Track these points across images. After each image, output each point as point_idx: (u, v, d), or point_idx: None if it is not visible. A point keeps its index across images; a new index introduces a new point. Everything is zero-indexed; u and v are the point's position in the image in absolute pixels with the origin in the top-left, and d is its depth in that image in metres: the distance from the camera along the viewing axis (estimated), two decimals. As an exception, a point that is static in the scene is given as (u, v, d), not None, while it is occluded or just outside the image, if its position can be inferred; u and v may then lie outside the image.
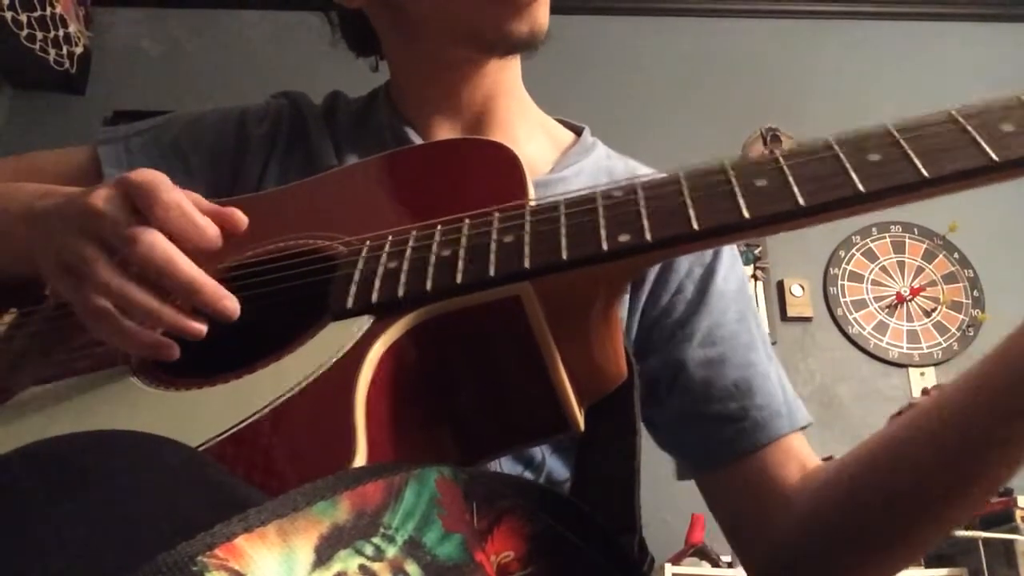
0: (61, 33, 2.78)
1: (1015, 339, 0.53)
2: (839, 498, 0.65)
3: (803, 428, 0.76)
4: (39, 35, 2.67)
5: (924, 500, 0.59)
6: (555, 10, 0.79)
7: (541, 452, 0.75)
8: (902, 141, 0.47)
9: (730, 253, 0.84)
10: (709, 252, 0.81)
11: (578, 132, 0.91)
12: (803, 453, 0.74)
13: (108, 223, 0.55)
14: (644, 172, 0.87)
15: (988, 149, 0.45)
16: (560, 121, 0.93)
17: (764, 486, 0.72)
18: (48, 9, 2.69)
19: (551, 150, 0.88)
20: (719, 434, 0.74)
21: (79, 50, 2.89)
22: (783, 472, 0.72)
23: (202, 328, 0.56)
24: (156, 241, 0.54)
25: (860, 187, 0.46)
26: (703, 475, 0.77)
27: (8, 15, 2.53)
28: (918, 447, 0.59)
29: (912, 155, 0.46)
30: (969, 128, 0.46)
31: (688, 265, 0.81)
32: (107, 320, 0.55)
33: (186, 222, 0.56)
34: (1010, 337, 0.54)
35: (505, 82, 0.86)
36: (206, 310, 0.55)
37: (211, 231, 0.58)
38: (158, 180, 0.56)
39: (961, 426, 0.56)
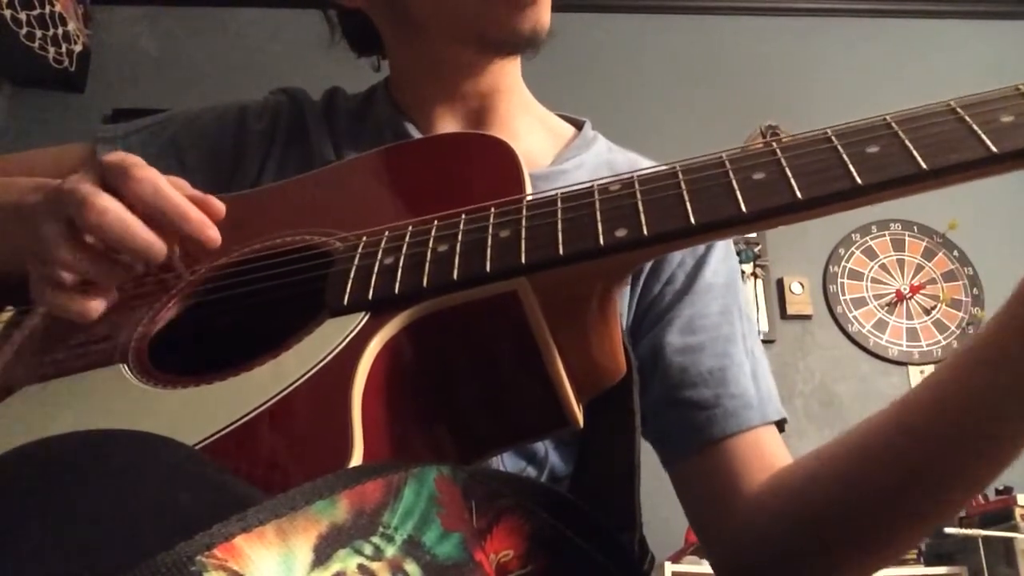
0: (60, 31, 2.78)
1: (1012, 307, 0.52)
2: (828, 489, 0.63)
3: (778, 423, 0.76)
4: (38, 33, 2.67)
5: (925, 480, 0.57)
6: (556, 8, 0.79)
7: (544, 447, 0.75)
8: (900, 133, 0.47)
9: (723, 246, 0.84)
10: (703, 244, 0.81)
11: (579, 126, 0.91)
12: (773, 449, 0.73)
13: (74, 201, 0.54)
14: (645, 164, 0.87)
15: (987, 140, 0.44)
16: (561, 116, 0.93)
17: (730, 477, 0.71)
18: (47, 7, 2.69)
19: (552, 144, 0.88)
20: (691, 420, 0.74)
21: (78, 48, 2.89)
22: (750, 465, 0.71)
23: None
24: (108, 206, 0.53)
25: (858, 180, 0.46)
26: (675, 464, 0.77)
27: (7, 13, 2.53)
28: (924, 416, 0.57)
29: (911, 147, 0.46)
30: (968, 119, 0.46)
31: (681, 256, 0.81)
32: (56, 288, 0.56)
33: (159, 197, 0.54)
34: (1008, 303, 0.52)
35: (506, 79, 0.86)
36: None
37: (192, 211, 0.56)
38: (132, 159, 0.56)
39: (965, 391, 0.54)
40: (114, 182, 0.55)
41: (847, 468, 0.62)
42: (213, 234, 0.56)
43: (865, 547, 0.62)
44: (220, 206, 0.59)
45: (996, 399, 0.52)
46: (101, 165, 0.56)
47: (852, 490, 0.61)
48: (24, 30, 2.61)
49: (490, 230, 0.54)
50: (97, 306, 0.58)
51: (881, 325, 2.85)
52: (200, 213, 0.56)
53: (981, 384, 0.53)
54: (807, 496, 0.65)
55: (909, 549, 0.66)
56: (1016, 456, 0.53)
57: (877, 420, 0.60)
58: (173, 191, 0.55)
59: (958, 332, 2.82)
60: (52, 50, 2.75)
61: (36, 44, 2.68)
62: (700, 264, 0.81)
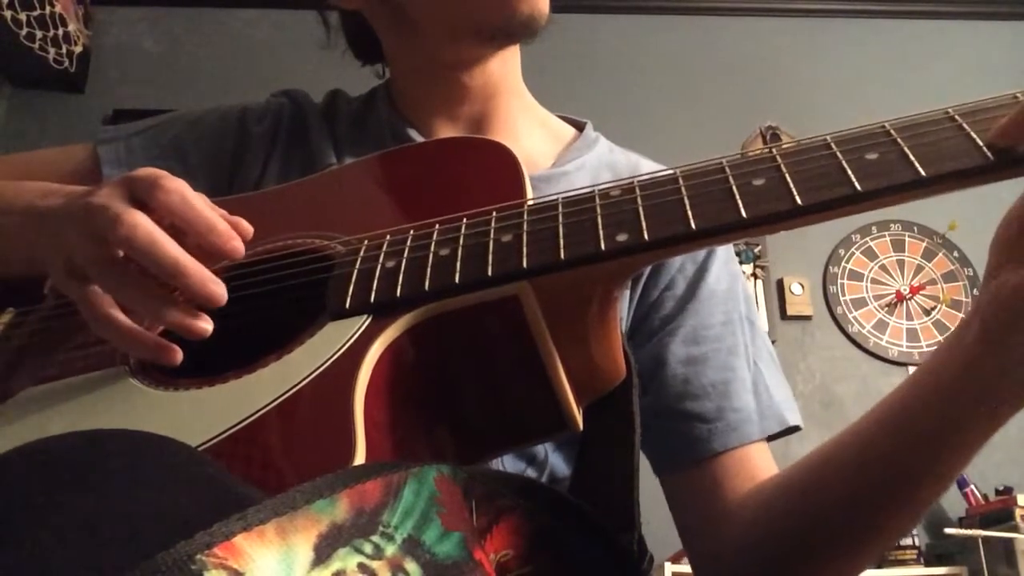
0: (60, 32, 2.78)
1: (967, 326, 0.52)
2: (788, 505, 0.65)
3: (775, 436, 0.76)
4: (38, 34, 2.67)
5: (888, 493, 0.58)
6: (556, 8, 0.79)
7: (544, 449, 0.75)
8: (899, 140, 0.47)
9: (724, 251, 0.84)
10: (704, 249, 0.81)
11: (580, 128, 0.91)
12: (758, 464, 0.74)
13: (106, 217, 0.54)
14: (647, 166, 0.88)
15: (985, 149, 0.44)
16: (562, 118, 0.93)
17: (719, 490, 0.72)
18: (47, 8, 2.69)
19: (553, 146, 0.88)
20: (692, 432, 0.74)
21: (78, 49, 2.89)
22: (738, 479, 0.72)
23: (207, 327, 0.54)
24: (139, 222, 0.53)
25: (857, 186, 0.46)
26: (669, 473, 0.77)
27: (7, 14, 2.53)
28: (884, 437, 0.57)
29: (909, 154, 0.46)
30: (966, 127, 0.46)
31: (681, 261, 0.81)
32: (109, 322, 0.55)
33: (187, 208, 0.55)
34: (962, 322, 0.52)
35: (506, 79, 0.86)
36: (193, 296, 0.54)
37: (219, 223, 0.56)
38: (161, 172, 0.56)
39: (926, 413, 0.54)
40: (143, 194, 0.55)
41: (814, 478, 0.63)
42: (238, 245, 0.56)
43: (830, 556, 0.63)
44: (248, 226, 0.59)
45: (960, 406, 0.52)
46: (130, 178, 0.56)
47: (815, 500, 0.62)
48: (24, 31, 2.61)
49: (492, 234, 0.54)
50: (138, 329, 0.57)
51: (881, 326, 2.85)
52: (226, 225, 0.56)
53: (953, 380, 0.52)
54: (775, 508, 0.67)
55: (874, 558, 0.66)
56: (977, 451, 0.53)
57: (847, 435, 0.61)
58: (201, 202, 0.56)
59: (958, 333, 2.82)
60: (52, 51, 2.76)
61: (36, 45, 2.68)
62: (702, 270, 0.80)
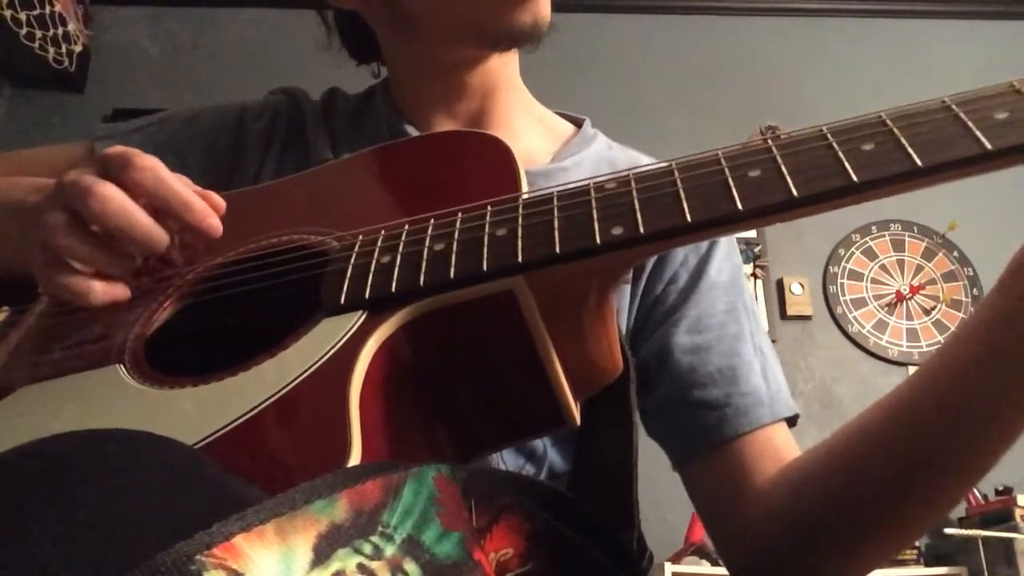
0: (60, 31, 2.79)
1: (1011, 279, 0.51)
2: (826, 485, 0.64)
3: (788, 420, 0.76)
4: (38, 33, 2.68)
5: (923, 472, 0.57)
6: (557, 8, 0.79)
7: (543, 445, 0.75)
8: (895, 130, 0.47)
9: (726, 244, 0.84)
10: (705, 242, 0.81)
11: (579, 124, 0.91)
12: (783, 445, 0.73)
13: (77, 190, 0.54)
14: (646, 162, 0.87)
15: (982, 137, 0.44)
16: (560, 114, 0.93)
17: (742, 475, 0.71)
18: (47, 7, 2.70)
19: (551, 142, 0.88)
20: (702, 420, 0.74)
21: (78, 48, 2.90)
22: (761, 463, 0.71)
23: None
24: (111, 194, 0.53)
25: (854, 177, 0.46)
26: (686, 465, 0.76)
27: (7, 13, 2.53)
28: (922, 410, 0.56)
29: (906, 144, 0.46)
30: (963, 116, 0.45)
31: (684, 255, 0.81)
32: (59, 269, 0.55)
33: (161, 185, 0.54)
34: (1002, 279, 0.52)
35: (504, 77, 0.86)
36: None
37: (195, 200, 0.55)
38: (133, 150, 0.56)
39: (969, 380, 0.54)
40: (116, 172, 0.55)
41: (845, 462, 0.62)
42: (215, 223, 0.56)
43: (865, 539, 0.62)
44: (221, 201, 0.59)
45: (989, 391, 0.52)
46: (102, 157, 0.56)
47: (850, 483, 0.61)
48: (24, 30, 2.62)
49: (487, 228, 0.54)
50: (100, 290, 0.57)
51: (881, 326, 2.85)
52: (202, 202, 0.56)
53: (975, 378, 0.53)
54: (807, 490, 0.65)
55: (906, 543, 0.64)
56: (1013, 442, 0.53)
57: (873, 414, 0.61)
58: (175, 180, 0.56)
59: (958, 332, 2.83)
60: (52, 50, 2.76)
61: (36, 44, 2.68)
62: (703, 262, 0.80)
